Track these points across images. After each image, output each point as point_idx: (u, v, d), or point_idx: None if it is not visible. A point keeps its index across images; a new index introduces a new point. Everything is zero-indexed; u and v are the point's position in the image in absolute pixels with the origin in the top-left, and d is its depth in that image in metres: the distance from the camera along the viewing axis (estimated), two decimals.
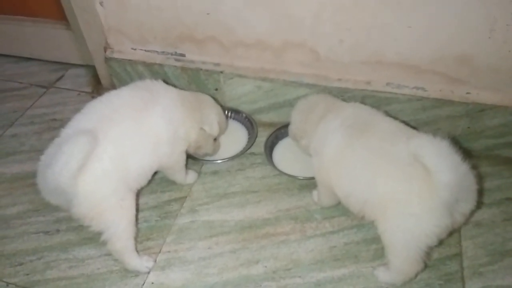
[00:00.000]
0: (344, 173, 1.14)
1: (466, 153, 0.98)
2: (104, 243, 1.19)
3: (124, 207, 1.17)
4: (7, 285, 1.24)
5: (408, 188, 1.01)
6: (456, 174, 0.94)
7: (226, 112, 1.65)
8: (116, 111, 1.19)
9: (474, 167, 1.00)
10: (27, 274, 1.26)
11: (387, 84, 1.45)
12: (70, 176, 1.03)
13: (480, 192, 1.03)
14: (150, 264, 1.25)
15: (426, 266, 1.13)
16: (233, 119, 1.67)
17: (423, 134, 1.01)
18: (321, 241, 1.29)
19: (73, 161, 1.02)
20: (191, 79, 1.65)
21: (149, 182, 1.31)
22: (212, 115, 1.40)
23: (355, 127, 1.15)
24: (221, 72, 1.59)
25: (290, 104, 1.56)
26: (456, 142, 0.98)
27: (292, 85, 1.53)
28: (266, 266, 1.24)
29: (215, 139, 1.47)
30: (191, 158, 1.52)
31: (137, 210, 1.26)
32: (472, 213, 1.08)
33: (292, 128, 1.38)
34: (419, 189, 0.99)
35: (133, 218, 1.21)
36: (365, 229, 1.31)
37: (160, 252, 1.29)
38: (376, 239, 1.24)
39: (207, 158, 1.53)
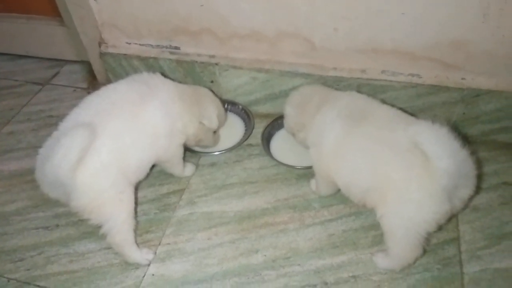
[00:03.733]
0: (344, 163, 1.14)
1: (463, 139, 0.98)
2: (103, 237, 1.19)
3: (123, 200, 1.17)
4: (8, 281, 1.25)
5: (408, 175, 1.01)
6: (456, 160, 0.94)
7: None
8: (114, 105, 1.19)
9: (473, 152, 1.00)
10: (28, 270, 1.27)
11: (382, 71, 1.45)
12: (68, 169, 1.03)
13: (478, 177, 1.02)
14: (150, 256, 1.26)
15: (424, 251, 1.14)
16: (230, 111, 1.66)
17: (422, 121, 1.00)
18: (319, 229, 1.30)
19: (71, 153, 1.03)
20: (186, 72, 1.65)
21: (148, 175, 1.32)
22: (211, 108, 1.40)
23: (352, 117, 1.15)
24: (216, 64, 1.59)
25: (286, 94, 1.54)
26: (454, 128, 0.98)
27: (287, 75, 1.53)
28: (265, 255, 1.25)
29: (214, 132, 1.47)
30: (189, 151, 1.52)
31: (136, 203, 1.26)
32: (471, 198, 1.08)
33: (287, 122, 1.38)
34: (418, 176, 0.99)
35: (132, 211, 1.21)
36: (363, 216, 1.31)
37: (159, 244, 1.30)
38: (375, 226, 1.26)
39: (205, 150, 1.53)
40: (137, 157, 1.21)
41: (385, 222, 1.09)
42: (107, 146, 1.12)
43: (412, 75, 1.43)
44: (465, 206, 1.06)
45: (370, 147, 1.08)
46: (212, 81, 1.64)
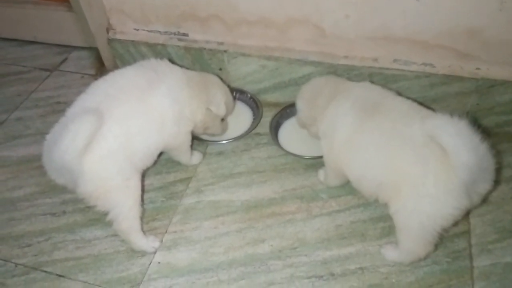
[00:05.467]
0: (356, 156, 1.12)
1: (482, 132, 0.94)
2: (110, 224, 1.19)
3: (129, 187, 1.17)
4: (16, 266, 1.26)
5: (424, 169, 0.98)
6: (476, 155, 0.91)
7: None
8: (121, 91, 1.18)
9: (492, 146, 0.96)
10: (35, 255, 1.28)
11: (394, 60, 1.42)
12: (76, 155, 1.02)
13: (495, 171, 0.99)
14: (156, 244, 1.26)
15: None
16: (238, 99, 1.65)
17: (439, 114, 0.97)
18: (327, 220, 1.28)
19: (79, 139, 1.02)
20: (194, 59, 1.63)
21: (155, 163, 1.31)
22: (219, 95, 1.38)
23: (366, 109, 1.12)
24: (225, 51, 1.57)
25: (296, 83, 1.54)
26: (468, 119, 0.94)
27: (297, 63, 1.50)
28: (272, 245, 1.24)
29: (222, 119, 1.45)
30: (196, 139, 1.51)
31: (143, 190, 1.26)
32: (489, 192, 1.05)
33: (299, 117, 1.36)
34: (435, 171, 0.96)
35: (139, 198, 1.20)
36: (372, 207, 1.29)
37: (166, 232, 1.30)
38: (383, 218, 1.25)
39: (212, 138, 1.52)
40: (144, 143, 1.20)
41: (398, 218, 1.06)
42: (114, 132, 1.11)
43: (425, 64, 1.40)
44: (481, 201, 1.02)
45: (385, 141, 1.06)
46: (220, 69, 1.62)
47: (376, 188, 1.10)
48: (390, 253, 1.17)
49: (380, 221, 1.26)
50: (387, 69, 1.43)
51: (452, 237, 1.22)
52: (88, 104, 1.14)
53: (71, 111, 1.15)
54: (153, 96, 1.21)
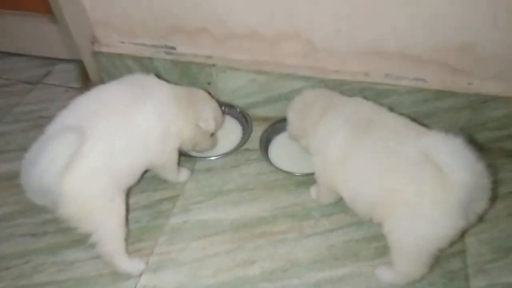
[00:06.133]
0: (349, 174, 1.09)
1: (477, 149, 0.92)
2: (93, 245, 1.13)
3: (113, 208, 1.12)
4: None
5: (419, 189, 0.95)
6: (473, 173, 0.88)
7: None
8: (105, 107, 1.13)
9: (489, 164, 0.94)
10: (14, 279, 1.21)
11: (386, 75, 1.40)
12: (55, 175, 0.97)
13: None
14: (141, 266, 1.21)
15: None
16: (227, 114, 1.61)
17: (434, 131, 0.95)
18: (319, 239, 1.25)
19: (58, 159, 0.97)
20: (182, 72, 1.59)
21: (140, 180, 1.27)
22: (208, 111, 1.34)
23: (359, 126, 1.09)
24: (214, 65, 1.53)
25: (286, 97, 1.51)
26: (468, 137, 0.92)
27: (287, 77, 1.47)
28: (263, 267, 1.19)
29: (211, 135, 1.41)
30: (184, 155, 1.46)
31: (128, 210, 1.22)
32: (486, 211, 1.02)
33: (290, 129, 1.33)
34: (431, 190, 0.93)
35: (123, 219, 1.15)
36: (365, 226, 1.26)
37: (152, 253, 1.25)
38: (377, 237, 1.21)
39: (201, 154, 1.48)
40: (129, 162, 1.15)
41: (393, 238, 1.03)
42: (97, 150, 1.07)
43: (417, 79, 1.38)
44: (477, 220, 0.99)
45: (378, 159, 1.03)
46: (209, 83, 1.58)
47: (370, 207, 1.07)
48: (385, 275, 1.14)
49: (374, 241, 1.23)
50: (379, 84, 1.41)
51: (447, 256, 1.18)
52: (69, 121, 1.09)
53: (51, 128, 1.09)
54: (138, 113, 1.17)
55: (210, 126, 1.35)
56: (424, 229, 0.97)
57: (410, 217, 0.98)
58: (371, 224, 1.22)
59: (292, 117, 1.30)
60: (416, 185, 0.96)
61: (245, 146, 1.51)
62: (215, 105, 1.40)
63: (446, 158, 0.89)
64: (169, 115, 1.23)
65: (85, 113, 1.11)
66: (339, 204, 1.29)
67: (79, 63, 1.86)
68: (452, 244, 1.15)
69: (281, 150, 1.49)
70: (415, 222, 0.98)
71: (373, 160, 1.04)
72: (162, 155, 1.25)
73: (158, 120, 1.20)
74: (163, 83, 1.28)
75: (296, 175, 1.40)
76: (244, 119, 1.59)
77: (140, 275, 1.20)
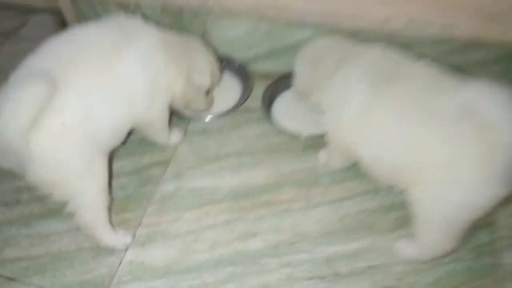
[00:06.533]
0: (371, 133, 0.95)
1: None
2: (71, 216, 1.00)
3: (93, 172, 0.98)
4: None
5: (456, 150, 0.82)
6: None
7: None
8: (81, 52, 0.96)
9: None
10: None
11: (410, 21, 1.23)
12: (20, 131, 0.82)
13: None
14: (127, 239, 1.08)
15: None
16: (224, 69, 1.44)
17: (479, 81, 0.82)
18: (330, 209, 1.12)
19: (23, 111, 0.82)
20: (172, 22, 1.40)
21: (126, 142, 1.16)
22: (203, 63, 1.18)
23: (383, 77, 0.95)
24: (209, 11, 1.35)
25: (292, 49, 1.32)
26: None
27: (294, 25, 1.31)
28: (266, 240, 1.08)
29: (207, 92, 1.25)
30: (176, 115, 1.31)
31: (112, 175, 1.12)
32: None
33: (298, 83, 1.17)
34: (470, 151, 0.80)
35: (105, 185, 1.01)
36: (382, 194, 1.14)
37: (139, 225, 1.12)
38: (395, 206, 1.10)
39: (195, 114, 1.32)
40: (111, 119, 0.99)
41: (420, 207, 0.91)
42: (72, 104, 0.90)
43: (446, 26, 1.21)
44: None
45: (406, 114, 0.89)
46: (203, 33, 1.40)
47: (394, 172, 0.94)
48: (406, 249, 1.02)
49: (392, 210, 1.11)
50: (401, 31, 1.24)
51: (474, 229, 1.04)
52: (37, 67, 0.92)
53: (14, 75, 0.92)
54: (120, 60, 1.00)
55: (205, 81, 1.19)
56: (459, 196, 0.85)
57: (442, 182, 0.86)
58: (388, 192, 1.13)
59: (300, 69, 1.15)
60: (452, 145, 0.83)
61: (245, 105, 1.36)
62: (211, 57, 1.23)
63: (495, 113, 0.77)
64: (158, 64, 1.06)
65: (57, 58, 0.94)
66: (352, 170, 1.16)
67: (57, 13, 1.66)
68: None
69: (286, 109, 1.34)
70: (449, 189, 0.86)
71: (399, 116, 0.90)
72: (149, 112, 1.09)
73: (145, 70, 1.03)
74: (150, 27, 1.10)
75: (303, 137, 1.26)
76: (244, 74, 1.42)
77: (126, 249, 1.07)
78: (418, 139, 0.87)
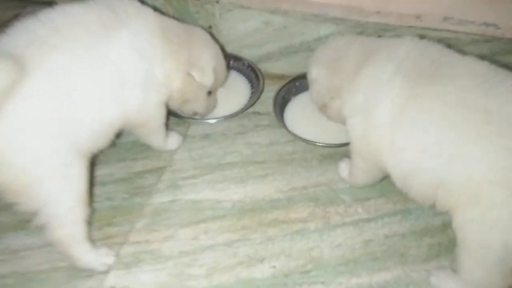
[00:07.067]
0: (406, 139, 0.81)
1: None
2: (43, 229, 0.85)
3: (69, 177, 0.83)
4: None
5: None
6: None
7: None
8: (59, 33, 0.82)
9: None
10: None
11: (445, 19, 1.13)
12: None
13: None
14: (109, 259, 0.92)
15: None
16: (232, 68, 1.31)
17: None
18: (351, 232, 0.97)
19: None
20: (177, 12, 1.29)
21: (117, 145, 1.05)
22: (206, 57, 1.04)
23: (420, 72, 0.81)
24: (217, 2, 1.24)
25: (309, 47, 1.24)
26: None
27: (312, 19, 1.19)
28: (274, 267, 0.91)
29: (209, 92, 1.10)
30: (174, 116, 1.17)
31: (96, 183, 0.98)
32: None
33: (315, 89, 1.03)
34: None
35: (84, 193, 0.86)
36: (413, 215, 0.99)
37: (125, 242, 0.96)
38: (431, 231, 0.96)
39: (196, 116, 1.18)
40: (94, 114, 0.85)
41: (469, 233, 0.76)
42: (43, 93, 0.77)
43: (487, 24, 1.10)
44: None
45: (453, 117, 0.75)
46: (210, 27, 1.29)
47: (433, 188, 0.79)
48: (444, 284, 0.85)
49: (426, 235, 0.95)
50: (434, 30, 1.14)
51: None
52: (4, 48, 0.77)
53: None
54: (108, 46, 0.86)
55: (208, 78, 1.05)
56: None
57: (499, 204, 0.71)
58: (421, 213, 0.98)
59: (317, 73, 1.01)
60: None
61: (254, 109, 1.23)
62: (217, 51, 1.10)
63: None
64: (153, 53, 0.93)
65: (30, 39, 0.79)
66: (378, 186, 1.02)
67: (53, 4, 1.54)
68: None
69: (301, 114, 1.20)
70: (507, 213, 0.70)
71: (444, 119, 0.76)
72: (142, 110, 0.94)
73: (137, 57, 0.90)
74: (147, 9, 0.96)
75: (319, 146, 1.12)
76: (254, 74, 1.29)
77: (108, 271, 0.91)
78: (468, 147, 0.72)
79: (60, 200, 0.81)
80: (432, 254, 0.91)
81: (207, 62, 1.04)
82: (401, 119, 0.80)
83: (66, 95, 0.78)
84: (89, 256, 0.89)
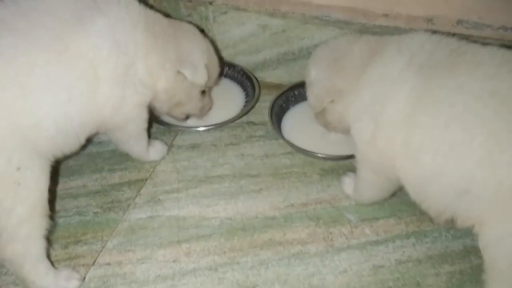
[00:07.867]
0: (425, 140, 0.69)
1: None
2: None
3: (24, 183, 0.70)
4: None
5: None
6: None
7: None
8: (24, 18, 0.71)
9: None
10: None
11: (458, 22, 1.03)
12: None
13: None
14: (72, 284, 0.78)
15: None
16: (226, 75, 1.22)
17: None
18: (358, 256, 0.83)
19: None
20: (168, 14, 1.17)
21: (93, 154, 0.93)
22: (196, 52, 0.94)
23: (438, 64, 0.71)
24: (210, 3, 1.15)
25: (309, 54, 1.10)
26: None
27: (314, 22, 1.10)
28: None
29: (203, 92, 1.00)
30: (159, 123, 1.07)
31: (66, 195, 0.88)
32: None
33: (314, 92, 0.92)
34: None
35: (42, 202, 0.74)
36: (429, 239, 0.85)
37: (94, 264, 0.82)
38: (450, 256, 0.83)
39: (183, 123, 1.07)
40: (57, 110, 0.73)
41: (501, 254, 0.64)
42: None
43: (505, 28, 1.00)
44: None
45: (478, 113, 0.64)
46: (203, 30, 1.16)
47: (458, 197, 0.67)
48: None
49: (445, 262, 0.82)
50: (447, 34, 0.99)
51: None
52: None
53: None
54: (82, 35, 0.75)
55: (200, 76, 0.93)
56: None
57: None
58: (437, 236, 0.86)
59: (317, 74, 0.91)
60: None
61: (248, 118, 1.12)
62: (208, 45, 0.99)
63: None
64: (134, 46, 0.81)
65: None
66: (387, 205, 0.90)
67: None
68: None
69: (299, 124, 1.09)
70: None
71: (468, 115, 0.65)
72: (119, 108, 0.82)
73: (114, 49, 0.78)
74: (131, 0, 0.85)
75: (320, 158, 1.00)
76: (249, 81, 1.19)
77: None
78: (497, 149, 0.61)
79: (10, 210, 0.68)
80: (453, 284, 0.78)
81: (198, 58, 0.93)
82: (417, 116, 0.69)
83: (21, 86, 0.67)
84: (46, 279, 0.75)
